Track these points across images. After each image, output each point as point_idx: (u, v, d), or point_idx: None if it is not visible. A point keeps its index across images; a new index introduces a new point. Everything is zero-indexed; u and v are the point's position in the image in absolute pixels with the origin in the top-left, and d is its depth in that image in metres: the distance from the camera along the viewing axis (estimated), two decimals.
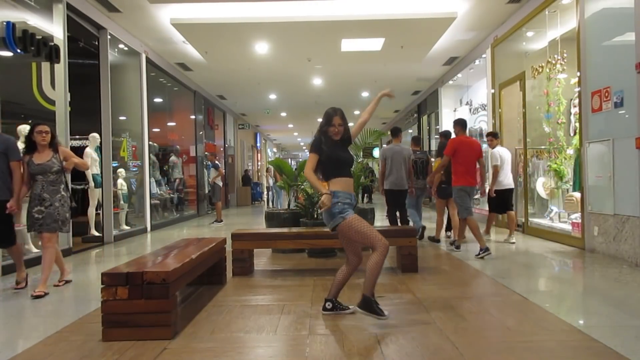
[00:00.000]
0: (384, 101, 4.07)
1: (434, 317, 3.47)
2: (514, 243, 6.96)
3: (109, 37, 8.15)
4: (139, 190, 9.74)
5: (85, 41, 8.06)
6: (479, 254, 5.80)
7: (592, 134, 6.08)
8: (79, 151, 8.17)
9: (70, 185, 6.83)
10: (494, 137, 7.53)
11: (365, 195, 15.11)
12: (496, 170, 7.01)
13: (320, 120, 3.68)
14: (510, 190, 7.28)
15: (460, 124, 6.51)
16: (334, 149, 3.49)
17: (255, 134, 24.96)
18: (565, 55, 7.34)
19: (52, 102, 6.68)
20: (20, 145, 6.19)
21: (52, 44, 6.49)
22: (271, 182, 17.93)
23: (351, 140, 3.71)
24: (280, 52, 10.22)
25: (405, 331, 3.16)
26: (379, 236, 3.30)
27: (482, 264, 5.60)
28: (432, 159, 8.10)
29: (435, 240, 7.20)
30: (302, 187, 6.84)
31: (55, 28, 6.73)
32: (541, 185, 8.20)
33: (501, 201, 7.17)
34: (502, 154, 7.18)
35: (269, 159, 27.68)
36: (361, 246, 3.54)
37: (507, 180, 7.18)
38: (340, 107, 3.74)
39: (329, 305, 3.57)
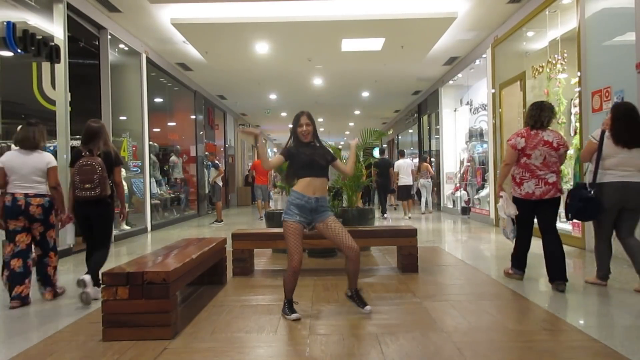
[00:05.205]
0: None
1: (434, 317, 3.47)
2: (410, 218, 11.07)
3: (109, 37, 8.15)
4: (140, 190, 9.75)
5: (85, 41, 8.06)
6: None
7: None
8: None
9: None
10: (400, 153, 12.90)
11: (366, 197, 15.11)
12: (395, 174, 11.67)
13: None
14: (408, 186, 11.83)
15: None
16: (299, 150, 3.58)
17: None
18: (565, 55, 7.33)
19: (53, 102, 6.68)
20: None
21: (53, 43, 6.50)
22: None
23: (320, 142, 3.76)
24: (280, 52, 10.22)
25: (405, 331, 3.16)
26: (293, 257, 3.46)
27: (482, 264, 5.61)
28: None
29: None
30: None
31: (55, 28, 6.73)
32: None
33: (404, 192, 11.75)
34: (401, 164, 11.92)
35: (269, 159, 27.58)
36: (341, 241, 3.55)
37: (406, 180, 11.74)
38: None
39: (348, 292, 3.67)
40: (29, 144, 4.14)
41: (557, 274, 4.20)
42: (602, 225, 4.29)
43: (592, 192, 4.16)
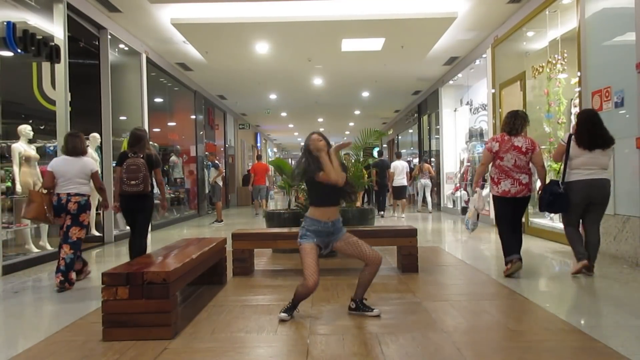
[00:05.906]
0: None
1: (434, 317, 3.47)
2: (403, 218, 11.57)
3: (109, 37, 8.15)
4: None
5: (85, 41, 8.06)
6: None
7: None
8: None
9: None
10: (396, 155, 13.56)
11: (366, 195, 15.25)
12: (391, 174, 12.09)
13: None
14: (403, 187, 12.19)
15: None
16: (315, 179, 3.47)
17: (256, 134, 24.95)
18: (565, 55, 7.33)
19: (53, 102, 6.68)
20: (22, 145, 6.20)
21: (53, 43, 6.49)
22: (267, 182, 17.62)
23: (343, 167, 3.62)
24: (280, 52, 10.22)
25: (405, 331, 3.16)
26: (308, 274, 3.36)
27: (482, 264, 5.61)
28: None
29: None
30: (303, 187, 6.82)
31: (55, 28, 6.73)
32: None
33: (398, 192, 12.16)
34: (397, 165, 12.28)
35: (269, 159, 27.67)
36: (364, 253, 3.49)
37: (400, 180, 12.08)
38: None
39: (352, 304, 3.59)
40: (76, 152, 4.82)
41: (514, 249, 4.79)
42: (569, 218, 4.79)
43: (562, 188, 4.68)
